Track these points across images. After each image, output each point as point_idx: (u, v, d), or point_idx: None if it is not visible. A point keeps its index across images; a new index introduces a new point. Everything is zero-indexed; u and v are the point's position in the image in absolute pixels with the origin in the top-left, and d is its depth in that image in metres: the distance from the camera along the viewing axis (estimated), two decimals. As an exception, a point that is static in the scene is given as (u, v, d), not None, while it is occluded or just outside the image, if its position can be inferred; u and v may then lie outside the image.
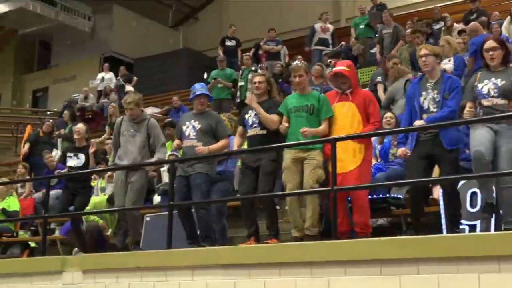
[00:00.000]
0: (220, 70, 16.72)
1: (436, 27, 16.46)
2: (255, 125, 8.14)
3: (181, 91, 21.89)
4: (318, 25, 18.43)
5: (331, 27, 18.60)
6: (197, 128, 8.42)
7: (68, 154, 10.47)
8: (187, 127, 8.50)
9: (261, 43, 18.99)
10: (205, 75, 18.52)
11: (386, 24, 16.14)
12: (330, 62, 14.61)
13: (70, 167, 10.32)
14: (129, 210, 8.72)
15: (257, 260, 6.52)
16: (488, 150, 6.50)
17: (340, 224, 6.86)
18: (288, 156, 7.68)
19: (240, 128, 8.46)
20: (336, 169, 6.67)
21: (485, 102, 6.70)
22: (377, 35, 16.60)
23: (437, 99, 7.00)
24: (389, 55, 13.23)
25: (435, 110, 6.99)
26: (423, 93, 7.10)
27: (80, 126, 10.68)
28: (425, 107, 7.05)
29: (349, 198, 7.41)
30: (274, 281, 6.31)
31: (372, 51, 16.95)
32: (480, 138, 6.55)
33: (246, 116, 8.27)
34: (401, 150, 7.19)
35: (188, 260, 7.06)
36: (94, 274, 7.71)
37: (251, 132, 8.21)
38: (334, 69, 7.88)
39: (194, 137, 8.41)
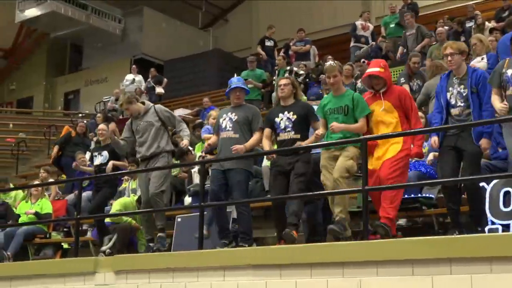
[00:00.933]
0: (250, 70, 16.74)
1: (468, 25, 16.31)
2: (289, 129, 8.08)
3: (211, 92, 21.96)
4: (358, 23, 18.48)
5: (371, 26, 18.63)
6: (234, 120, 8.44)
7: (94, 153, 11.02)
8: (224, 119, 8.54)
9: (291, 44, 18.96)
10: (235, 75, 18.51)
11: (409, 26, 16.18)
12: (363, 62, 14.59)
13: (96, 165, 10.67)
14: (160, 211, 8.78)
15: (288, 261, 6.53)
16: None
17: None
18: (324, 155, 7.65)
19: (267, 130, 8.35)
20: (369, 168, 6.69)
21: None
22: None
23: (464, 93, 7.09)
24: (410, 54, 13.15)
25: (462, 104, 7.07)
26: (450, 88, 7.17)
27: (102, 126, 11.04)
28: (452, 102, 7.14)
29: None
30: (305, 282, 6.32)
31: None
32: None
33: (277, 119, 8.19)
34: (433, 139, 7.18)
35: (219, 260, 7.09)
36: (126, 275, 7.78)
37: (284, 136, 8.14)
38: (368, 70, 7.79)
39: (230, 128, 8.42)
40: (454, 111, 7.15)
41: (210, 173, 8.96)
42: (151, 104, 9.43)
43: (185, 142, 9.31)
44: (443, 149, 7.14)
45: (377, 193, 7.21)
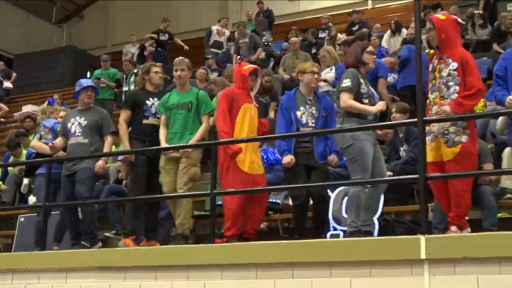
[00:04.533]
0: (103, 69, 16.49)
1: (322, 35, 16.77)
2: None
3: (63, 89, 21.37)
4: (214, 28, 18.54)
5: (227, 32, 18.72)
6: (84, 125, 8.25)
7: None
8: (72, 123, 8.30)
9: (147, 44, 18.77)
10: (88, 74, 18.12)
11: (242, 35, 16.63)
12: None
13: None
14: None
15: (133, 263, 6.46)
16: None
17: None
18: (164, 156, 7.64)
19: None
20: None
21: None
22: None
23: (316, 115, 7.40)
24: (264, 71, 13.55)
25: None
26: (301, 107, 7.36)
27: None
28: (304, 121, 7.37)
29: None
30: (150, 284, 6.26)
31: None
32: None
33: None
34: (289, 158, 7.23)
35: (62, 262, 6.91)
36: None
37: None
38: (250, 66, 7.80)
39: (80, 133, 8.22)
40: (303, 129, 7.34)
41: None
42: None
43: None
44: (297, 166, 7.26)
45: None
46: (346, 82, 6.56)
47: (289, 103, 7.34)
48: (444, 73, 6.30)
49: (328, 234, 7.35)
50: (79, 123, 8.25)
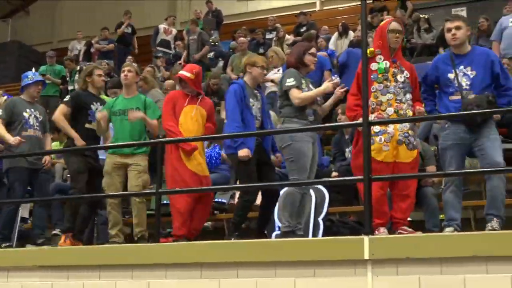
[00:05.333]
0: (49, 65, 16.28)
1: (269, 36, 16.84)
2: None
3: (7, 85, 21.00)
4: (162, 26, 18.43)
5: (174, 31, 18.62)
6: (40, 120, 8.25)
7: None
8: (30, 115, 8.20)
9: (93, 41, 18.61)
10: (33, 70, 17.84)
11: (192, 31, 16.87)
12: (180, 64, 14.83)
13: None
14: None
15: (76, 262, 6.38)
16: None
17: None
18: (109, 161, 7.57)
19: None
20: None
21: None
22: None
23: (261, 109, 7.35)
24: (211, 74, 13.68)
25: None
26: (251, 99, 7.26)
27: None
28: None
29: None
30: (93, 283, 6.20)
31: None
32: None
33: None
34: (246, 151, 7.04)
35: (3, 261, 6.78)
36: None
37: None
38: (180, 72, 7.70)
39: (37, 128, 8.20)
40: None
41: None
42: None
43: None
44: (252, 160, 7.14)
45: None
46: (290, 81, 6.62)
47: (243, 93, 7.22)
48: (400, 79, 6.39)
49: (273, 234, 7.38)
50: (36, 117, 8.15)
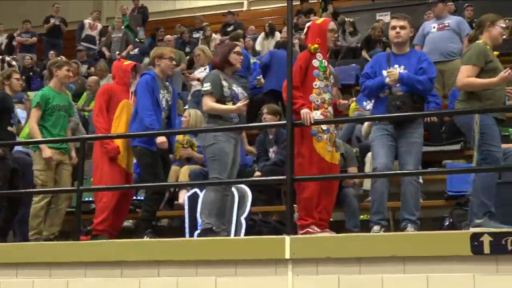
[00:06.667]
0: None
1: (196, 35, 16.81)
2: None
3: None
4: (87, 21, 18.19)
5: (99, 26, 18.41)
6: None
7: None
8: None
9: (15, 34, 18.22)
10: None
11: (117, 28, 16.94)
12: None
13: None
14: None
15: (-7, 260, 6.23)
16: None
17: None
18: (39, 157, 7.44)
19: None
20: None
21: None
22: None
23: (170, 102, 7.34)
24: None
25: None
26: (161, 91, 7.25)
27: None
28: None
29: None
30: (11, 282, 6.06)
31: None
32: None
33: None
34: (164, 138, 7.06)
35: None
36: None
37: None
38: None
39: None
40: None
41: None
42: None
43: None
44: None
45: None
46: (206, 86, 6.53)
47: (154, 84, 7.17)
48: (332, 79, 6.50)
49: (196, 233, 7.36)
50: None
